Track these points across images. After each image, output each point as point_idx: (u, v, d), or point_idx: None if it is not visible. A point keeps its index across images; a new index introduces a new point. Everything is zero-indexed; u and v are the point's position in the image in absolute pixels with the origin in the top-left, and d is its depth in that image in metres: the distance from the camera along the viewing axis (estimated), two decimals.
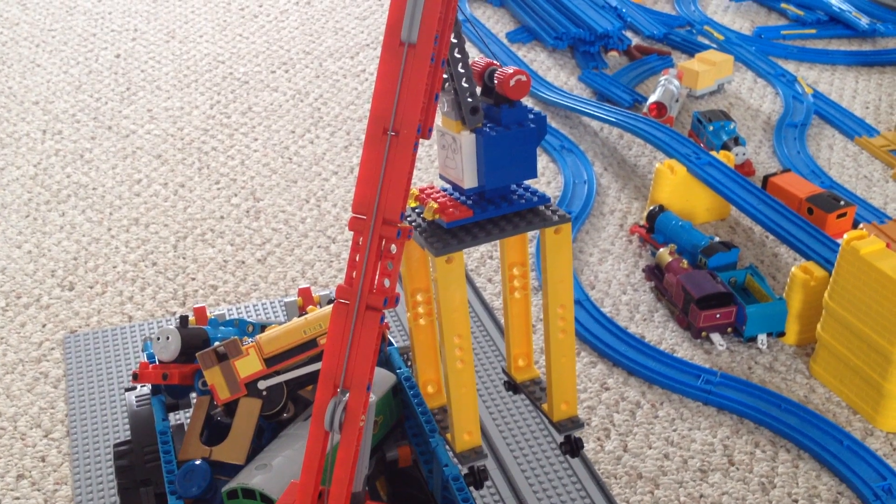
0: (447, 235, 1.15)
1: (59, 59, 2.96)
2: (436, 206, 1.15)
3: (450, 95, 1.12)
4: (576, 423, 1.31)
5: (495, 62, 1.15)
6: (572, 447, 1.32)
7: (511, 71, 1.12)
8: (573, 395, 1.30)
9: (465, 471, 1.26)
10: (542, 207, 1.20)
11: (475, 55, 1.18)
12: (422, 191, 1.20)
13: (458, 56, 1.09)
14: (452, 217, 1.14)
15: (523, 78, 1.12)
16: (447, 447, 1.27)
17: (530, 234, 1.24)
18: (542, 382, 1.34)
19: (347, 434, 0.98)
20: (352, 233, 1.00)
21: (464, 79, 1.10)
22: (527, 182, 1.21)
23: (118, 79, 2.85)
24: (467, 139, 1.13)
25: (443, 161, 1.18)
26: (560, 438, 1.33)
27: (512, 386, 1.37)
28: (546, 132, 1.20)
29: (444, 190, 1.21)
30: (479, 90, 1.14)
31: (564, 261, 1.22)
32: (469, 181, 1.15)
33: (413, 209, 1.21)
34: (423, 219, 1.18)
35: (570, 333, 1.26)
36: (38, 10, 3.29)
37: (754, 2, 3.39)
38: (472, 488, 1.24)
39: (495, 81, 1.13)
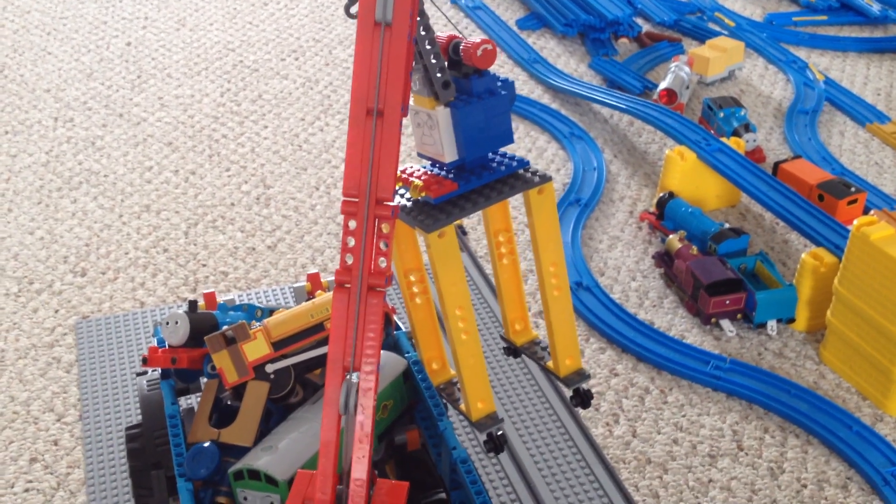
0: (435, 211, 1.16)
1: (70, 48, 2.97)
2: (420, 184, 1.16)
3: (419, 73, 1.13)
4: (582, 375, 1.34)
5: (457, 35, 1.16)
6: (582, 399, 1.36)
7: (478, 41, 1.13)
8: (576, 350, 1.33)
9: (483, 437, 1.28)
10: (521, 171, 1.21)
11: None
12: (402, 172, 1.21)
13: (424, 32, 1.10)
14: (439, 192, 1.15)
15: (489, 46, 1.14)
16: (463, 419, 1.28)
17: (512, 200, 1.25)
18: (542, 342, 1.37)
19: (364, 415, 0.99)
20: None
21: (432, 54, 1.11)
22: (503, 149, 1.22)
23: (129, 67, 2.86)
24: (443, 114, 1.14)
25: (419, 139, 1.19)
26: (569, 392, 1.36)
27: (512, 350, 1.40)
28: (515, 97, 1.20)
29: (424, 168, 1.22)
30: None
31: (550, 220, 1.24)
32: (450, 155, 1.17)
33: (395, 192, 1.22)
34: (409, 199, 1.19)
35: (564, 290, 1.29)
36: None
37: None
38: (491, 454, 1.26)
39: (461, 53, 1.14)
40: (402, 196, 1.20)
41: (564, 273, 1.28)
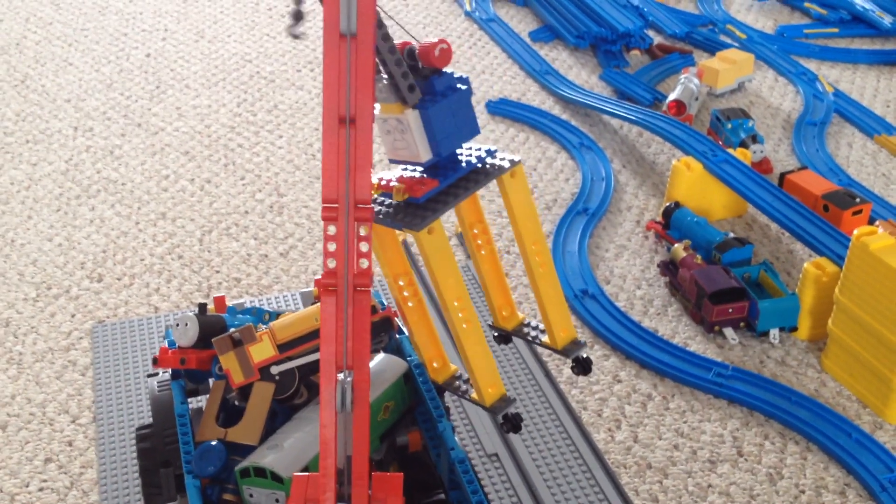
0: (420, 210, 1.21)
1: (90, 58, 3.03)
2: (402, 186, 1.21)
3: (380, 81, 1.17)
4: (578, 343, 1.39)
5: (409, 41, 1.20)
6: (583, 366, 1.40)
7: (434, 41, 1.18)
8: (569, 321, 1.38)
9: (500, 420, 1.33)
10: (491, 159, 1.26)
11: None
12: (378, 181, 1.25)
13: (384, 42, 1.14)
14: (423, 191, 1.20)
15: (445, 45, 1.19)
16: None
17: (481, 193, 1.30)
18: (531, 322, 1.42)
19: (359, 411, 1.02)
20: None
21: (394, 61, 1.15)
22: (468, 143, 1.27)
23: (148, 77, 2.92)
24: (413, 116, 1.18)
25: (390, 146, 1.23)
26: (569, 363, 1.41)
27: (503, 337, 1.44)
28: (472, 90, 1.26)
29: (399, 174, 1.26)
30: None
31: (525, 200, 1.29)
32: (425, 154, 1.21)
33: (375, 199, 1.26)
34: (389, 204, 1.24)
35: (549, 265, 1.34)
36: (70, 10, 3.37)
37: (777, 1, 3.40)
38: (510, 434, 1.32)
39: (419, 56, 1.19)
40: (381, 203, 1.24)
41: (546, 249, 1.33)
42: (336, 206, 1.02)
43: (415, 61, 1.19)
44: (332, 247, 1.02)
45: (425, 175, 1.23)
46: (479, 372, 1.30)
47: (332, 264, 1.02)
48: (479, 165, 1.26)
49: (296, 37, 1.09)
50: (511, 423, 1.33)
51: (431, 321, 1.37)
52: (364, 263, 1.03)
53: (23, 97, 2.81)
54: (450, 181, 1.23)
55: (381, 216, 1.22)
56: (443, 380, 1.38)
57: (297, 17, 1.10)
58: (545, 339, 1.39)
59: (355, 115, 1.01)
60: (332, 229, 1.02)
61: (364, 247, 1.02)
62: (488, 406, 1.32)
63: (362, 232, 1.02)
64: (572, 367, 1.41)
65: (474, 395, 1.34)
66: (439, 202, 1.21)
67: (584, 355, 1.39)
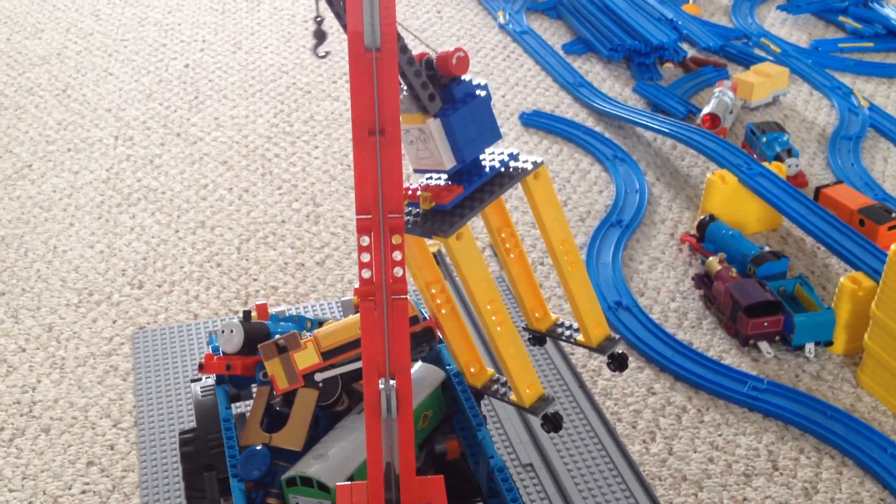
0: (447, 216, 1.23)
1: (130, 69, 3.08)
2: (429, 194, 1.23)
3: (401, 93, 1.19)
4: (612, 340, 1.40)
5: (426, 51, 1.23)
6: (619, 362, 1.41)
7: (451, 50, 1.20)
8: (602, 317, 1.40)
9: (540, 420, 1.34)
10: (514, 162, 1.28)
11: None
12: (405, 190, 1.27)
13: (403, 53, 1.15)
14: (450, 198, 1.22)
15: (462, 54, 1.21)
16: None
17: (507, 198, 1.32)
18: (565, 323, 1.43)
19: (403, 416, 1.04)
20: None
21: (414, 71, 1.17)
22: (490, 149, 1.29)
23: (187, 88, 2.96)
24: (435, 125, 1.21)
25: (413, 156, 1.26)
26: (605, 359, 1.41)
27: (537, 339, 1.45)
28: (491, 95, 1.28)
29: (423, 182, 1.29)
30: None
31: (552, 200, 1.31)
32: (448, 162, 1.23)
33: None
34: (416, 213, 1.26)
35: (578, 263, 1.35)
36: (111, 22, 3.43)
37: (812, 15, 3.40)
38: (551, 433, 1.36)
39: (437, 65, 1.21)
40: (408, 213, 1.27)
41: (575, 247, 1.35)
42: (369, 217, 1.04)
43: (433, 71, 1.22)
44: (365, 257, 1.04)
45: (450, 182, 1.25)
46: (517, 373, 1.32)
47: (366, 274, 1.04)
48: (503, 169, 1.28)
49: (321, 56, 1.13)
50: (552, 423, 1.34)
51: (466, 327, 1.39)
52: (398, 272, 1.05)
53: (64, 106, 2.86)
54: (475, 186, 1.25)
55: (409, 225, 1.24)
56: (481, 384, 1.40)
57: (320, 36, 1.14)
58: (579, 337, 1.41)
59: (384, 127, 1.03)
60: (365, 240, 1.04)
61: (397, 255, 1.04)
62: (528, 406, 1.34)
63: (395, 241, 1.04)
64: (608, 364, 1.42)
65: (513, 397, 1.35)
66: (466, 207, 1.23)
67: (620, 350, 1.41)
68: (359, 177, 1.04)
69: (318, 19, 1.14)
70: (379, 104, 1.02)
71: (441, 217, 1.23)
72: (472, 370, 1.40)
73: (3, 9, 3.56)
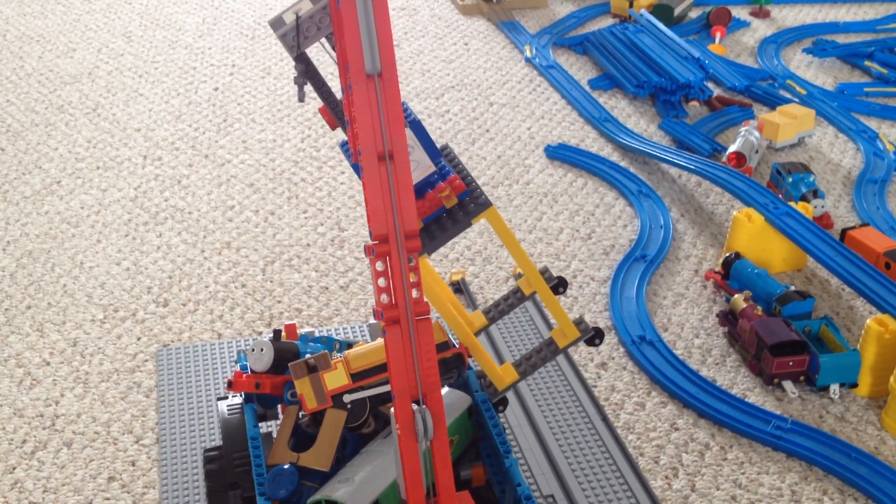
0: (471, 197, 1.34)
1: (160, 90, 3.12)
2: (447, 191, 1.33)
3: None
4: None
5: None
6: (598, 334, 1.51)
7: None
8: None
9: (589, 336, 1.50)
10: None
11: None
12: None
13: None
14: (461, 183, 1.34)
15: None
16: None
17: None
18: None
19: (439, 435, 1.04)
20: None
21: None
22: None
23: (216, 111, 2.99)
24: (408, 132, 1.31)
25: None
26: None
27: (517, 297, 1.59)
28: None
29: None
30: None
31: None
32: (433, 161, 1.34)
33: None
34: (438, 220, 1.36)
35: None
36: (142, 43, 3.47)
37: (838, 58, 3.41)
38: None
39: None
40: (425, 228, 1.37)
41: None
42: (386, 242, 1.04)
43: None
44: (382, 282, 1.05)
45: (440, 181, 1.35)
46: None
47: (385, 299, 1.05)
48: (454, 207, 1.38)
49: (302, 101, 1.28)
50: (597, 335, 1.49)
51: (474, 339, 1.45)
52: (416, 293, 1.05)
53: (94, 125, 2.90)
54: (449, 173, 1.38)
55: (428, 241, 1.33)
56: (503, 386, 1.46)
57: (301, 85, 1.20)
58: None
59: (392, 150, 1.04)
60: (380, 265, 1.05)
61: (413, 277, 1.05)
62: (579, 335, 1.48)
63: (410, 262, 1.05)
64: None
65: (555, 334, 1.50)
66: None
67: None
68: (371, 202, 1.05)
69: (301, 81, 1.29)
70: (386, 128, 1.03)
71: (464, 203, 1.33)
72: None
73: (37, 28, 3.62)
